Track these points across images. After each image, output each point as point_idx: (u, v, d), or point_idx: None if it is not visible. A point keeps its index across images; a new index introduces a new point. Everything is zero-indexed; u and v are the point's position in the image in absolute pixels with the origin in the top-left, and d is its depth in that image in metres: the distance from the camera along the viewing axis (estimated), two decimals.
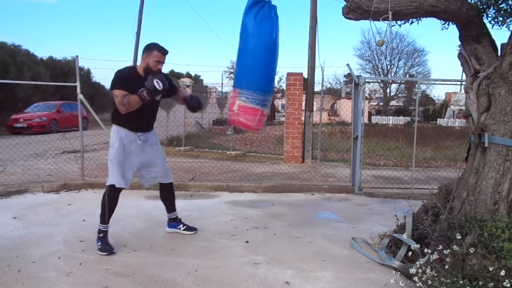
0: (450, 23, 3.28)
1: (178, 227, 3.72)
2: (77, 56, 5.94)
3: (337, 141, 12.67)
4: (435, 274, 2.41)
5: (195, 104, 3.53)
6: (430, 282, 2.38)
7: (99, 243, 3.22)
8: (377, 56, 38.68)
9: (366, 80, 6.67)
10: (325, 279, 2.78)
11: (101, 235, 3.26)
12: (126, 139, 3.26)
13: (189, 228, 3.73)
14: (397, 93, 40.93)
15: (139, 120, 3.29)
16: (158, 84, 3.05)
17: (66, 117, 16.39)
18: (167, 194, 3.70)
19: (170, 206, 3.73)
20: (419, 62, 38.88)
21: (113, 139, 3.26)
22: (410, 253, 2.87)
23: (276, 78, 29.78)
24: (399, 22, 3.24)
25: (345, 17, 3.10)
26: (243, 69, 3.16)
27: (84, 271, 2.85)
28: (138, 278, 2.76)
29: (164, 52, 3.24)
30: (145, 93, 3.03)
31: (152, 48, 3.22)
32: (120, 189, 3.28)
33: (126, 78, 3.17)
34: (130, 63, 11.59)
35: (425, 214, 3.23)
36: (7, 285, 2.62)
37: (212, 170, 7.09)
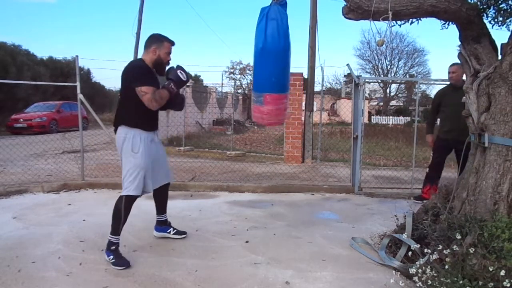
0: (450, 23, 3.28)
1: (168, 231, 3.55)
2: (77, 56, 5.94)
3: (337, 141, 12.68)
4: (435, 274, 2.41)
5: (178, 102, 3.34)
6: (430, 282, 2.38)
7: (111, 257, 2.94)
8: (377, 56, 38.67)
9: (366, 80, 6.67)
10: (325, 279, 2.78)
11: (113, 247, 2.98)
12: (147, 140, 3.06)
13: (179, 232, 3.57)
14: (397, 93, 40.93)
15: (154, 117, 3.16)
16: (182, 75, 3.01)
17: (66, 117, 16.40)
18: (163, 194, 3.49)
19: (162, 208, 3.54)
20: (419, 62, 38.88)
21: (133, 144, 2.98)
22: (410, 253, 2.87)
23: None
24: (399, 22, 3.24)
25: (345, 17, 3.10)
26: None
27: (84, 271, 2.85)
28: (138, 278, 2.76)
29: (173, 43, 3.17)
30: (173, 85, 2.97)
31: (162, 39, 3.10)
32: (137, 197, 3.07)
33: (148, 73, 3.02)
34: (132, 61, 11.50)
35: (425, 214, 3.23)
36: (7, 285, 2.62)
37: (212, 170, 7.10)
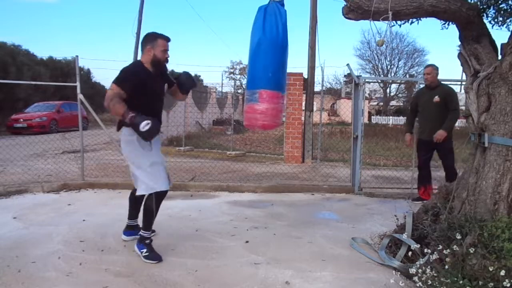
0: (450, 23, 3.28)
1: (139, 234, 3.26)
2: (77, 56, 5.94)
3: (337, 141, 12.67)
4: (435, 274, 2.41)
5: (187, 82, 3.26)
6: (430, 282, 2.38)
7: (145, 250, 3.02)
8: (377, 56, 38.63)
9: (366, 80, 6.67)
10: (325, 279, 2.78)
11: (147, 241, 3.07)
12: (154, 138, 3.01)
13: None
14: (397, 93, 40.89)
15: (158, 116, 3.11)
16: (145, 126, 2.72)
17: (66, 117, 16.39)
18: (139, 198, 3.27)
19: (137, 212, 3.42)
20: (419, 62, 38.76)
21: (142, 143, 2.96)
22: (410, 253, 2.87)
23: None
24: (399, 22, 3.24)
25: (345, 17, 3.10)
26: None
27: (84, 271, 2.85)
28: (138, 278, 2.76)
29: (168, 39, 3.07)
30: (129, 118, 2.76)
31: (155, 37, 3.01)
32: (167, 191, 3.08)
33: (131, 75, 2.93)
34: (130, 63, 11.52)
35: (425, 214, 3.23)
36: (7, 285, 2.62)
37: (212, 170, 7.09)
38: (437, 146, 4.79)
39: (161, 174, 3.04)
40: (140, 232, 3.12)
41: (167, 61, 3.11)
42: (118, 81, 2.89)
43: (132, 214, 3.48)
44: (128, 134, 3.01)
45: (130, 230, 3.48)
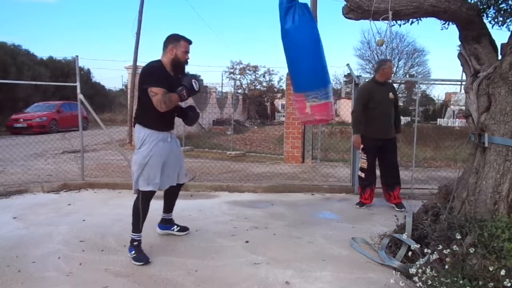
0: (450, 23, 3.28)
1: (172, 229, 3.65)
2: (77, 56, 5.94)
3: (337, 141, 12.66)
4: (435, 274, 2.41)
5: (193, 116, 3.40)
6: (430, 282, 2.38)
7: (133, 252, 3.03)
8: (377, 56, 38.54)
9: (366, 80, 6.65)
10: (325, 279, 2.78)
11: (135, 243, 3.07)
12: (157, 140, 3.07)
13: (182, 229, 3.67)
14: (397, 93, 40.91)
15: (168, 119, 3.16)
16: (195, 85, 3.03)
17: (66, 117, 16.38)
18: (174, 193, 3.56)
19: (170, 207, 3.63)
20: (419, 62, 38.69)
21: (142, 141, 3.06)
22: (410, 253, 2.87)
23: (276, 78, 30.01)
24: (399, 22, 3.25)
25: (345, 17, 3.10)
26: (303, 74, 3.40)
27: (84, 271, 2.85)
28: (138, 278, 2.76)
29: (190, 42, 3.17)
30: (185, 92, 2.97)
31: (179, 38, 3.11)
32: (153, 193, 3.11)
33: (161, 75, 3.01)
34: (130, 63, 11.57)
35: (425, 214, 3.23)
36: (7, 285, 2.62)
37: (212, 170, 7.09)
38: (385, 143, 4.64)
39: (149, 174, 3.04)
40: (130, 234, 3.12)
41: (186, 62, 3.17)
42: (154, 83, 2.94)
43: (167, 208, 3.65)
44: (137, 131, 3.11)
45: (165, 224, 3.67)
